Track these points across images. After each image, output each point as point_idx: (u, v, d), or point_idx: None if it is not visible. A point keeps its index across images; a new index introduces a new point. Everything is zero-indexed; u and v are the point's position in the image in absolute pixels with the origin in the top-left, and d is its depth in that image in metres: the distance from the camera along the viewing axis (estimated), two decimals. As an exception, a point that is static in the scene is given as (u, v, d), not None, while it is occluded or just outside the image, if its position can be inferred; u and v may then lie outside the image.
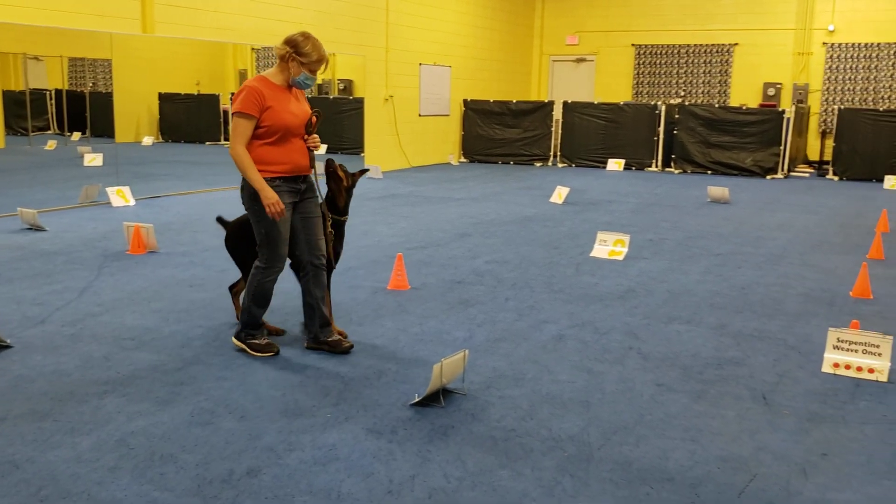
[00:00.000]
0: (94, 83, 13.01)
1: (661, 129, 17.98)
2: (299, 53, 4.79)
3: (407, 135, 17.45)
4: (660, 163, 18.14)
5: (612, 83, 21.67)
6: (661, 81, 21.15)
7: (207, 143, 15.56)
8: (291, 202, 4.93)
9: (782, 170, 17.11)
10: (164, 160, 14.80)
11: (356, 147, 15.90)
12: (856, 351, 4.92)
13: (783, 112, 17.06)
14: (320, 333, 5.17)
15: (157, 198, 11.87)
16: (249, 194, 4.83)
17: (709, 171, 17.60)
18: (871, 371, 4.85)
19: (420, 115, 17.88)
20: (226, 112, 15.38)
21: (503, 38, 20.91)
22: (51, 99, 13.07)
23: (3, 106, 12.36)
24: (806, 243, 9.32)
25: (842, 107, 17.23)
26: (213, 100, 15.31)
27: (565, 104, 18.94)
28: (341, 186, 5.31)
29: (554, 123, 19.05)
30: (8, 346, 5.12)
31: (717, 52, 20.48)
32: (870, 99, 19.14)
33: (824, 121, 19.52)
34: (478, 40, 19.74)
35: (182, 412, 4.18)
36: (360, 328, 5.63)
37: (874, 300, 6.79)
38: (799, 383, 4.78)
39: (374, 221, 10.16)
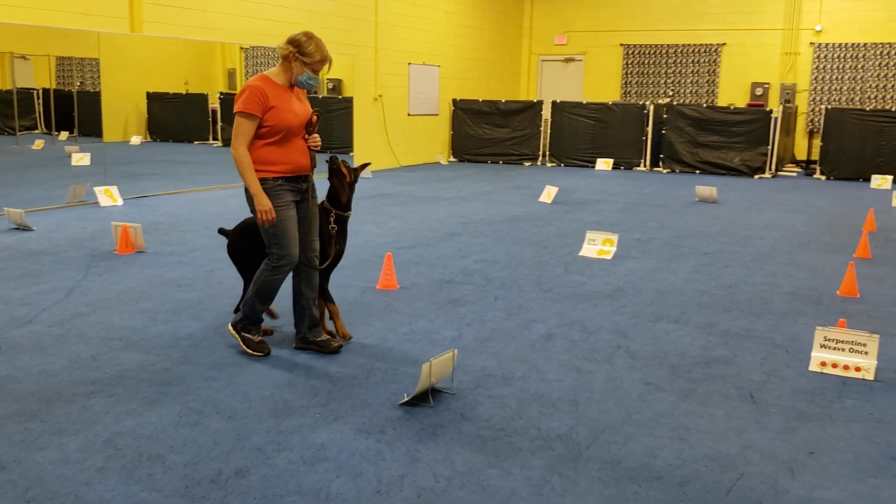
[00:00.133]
0: (81, 82, 12.96)
1: (650, 128, 18.02)
2: (302, 53, 4.78)
3: (396, 134, 17.44)
4: (648, 162, 18.19)
5: (600, 83, 21.72)
6: (650, 81, 21.20)
7: (196, 142, 15.52)
8: (294, 201, 4.93)
9: (770, 169, 17.17)
10: (153, 160, 14.74)
11: (345, 147, 15.87)
12: (843, 349, 4.94)
13: (771, 112, 17.13)
14: (309, 334, 5.17)
15: (145, 197, 11.83)
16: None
17: (697, 171, 17.66)
18: (857, 369, 4.88)
19: (409, 115, 17.87)
20: (214, 112, 15.34)
21: (492, 37, 20.92)
22: (38, 98, 13.01)
23: (-10, 105, 12.31)
24: (793, 242, 9.36)
25: (829, 106, 17.31)
26: (201, 99, 15.26)
27: (554, 104, 18.97)
28: (344, 182, 5.27)
29: (543, 123, 19.08)
30: (-5, 347, 5.10)
31: (705, 51, 20.54)
32: (856, 99, 19.23)
33: (811, 120, 19.60)
34: (467, 40, 19.75)
35: (170, 412, 4.17)
36: (349, 328, 5.62)
37: (861, 299, 6.82)
38: (786, 382, 4.80)
39: (364, 221, 10.15)
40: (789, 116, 18.12)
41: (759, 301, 6.67)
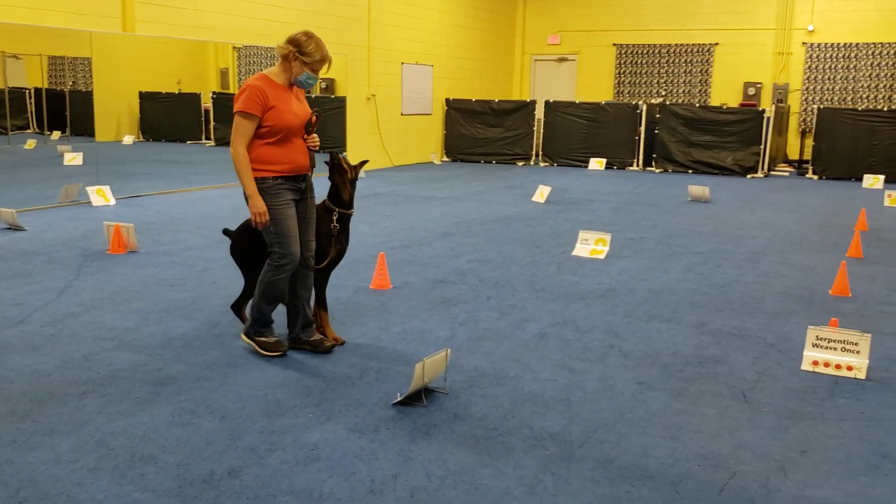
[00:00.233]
0: (73, 82, 12.92)
1: (643, 128, 18.04)
2: (302, 53, 4.77)
3: (389, 134, 17.44)
4: (641, 162, 18.21)
5: (593, 83, 21.74)
6: (643, 81, 21.23)
7: (188, 142, 15.49)
8: (293, 200, 4.93)
9: (762, 169, 17.22)
10: (145, 159, 14.71)
11: (338, 146, 15.86)
12: (834, 349, 4.96)
13: (763, 111, 17.17)
14: (302, 334, 5.16)
15: (137, 197, 11.81)
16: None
17: (689, 171, 17.69)
18: (849, 368, 4.89)
19: (402, 115, 17.87)
20: (207, 111, 15.32)
21: (485, 37, 20.92)
22: (30, 98, 12.97)
23: (-18, 105, 12.28)
24: (785, 242, 9.38)
25: (821, 106, 17.36)
26: (194, 99, 15.24)
27: (547, 103, 18.99)
28: (346, 179, 5.24)
29: (536, 123, 19.09)
30: (-14, 347, 5.09)
31: (697, 51, 20.57)
32: (848, 98, 19.28)
33: (804, 120, 19.65)
34: (460, 39, 19.75)
35: (162, 412, 4.16)
36: (342, 327, 5.62)
37: (853, 298, 6.84)
38: (778, 381, 4.82)
39: (357, 220, 10.13)
40: (782, 116, 18.17)
41: (751, 300, 6.69)
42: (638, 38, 21.09)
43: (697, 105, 18.37)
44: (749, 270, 7.82)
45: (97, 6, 10.92)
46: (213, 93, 15.20)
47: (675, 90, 20.91)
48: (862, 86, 19.12)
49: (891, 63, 18.82)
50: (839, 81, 19.37)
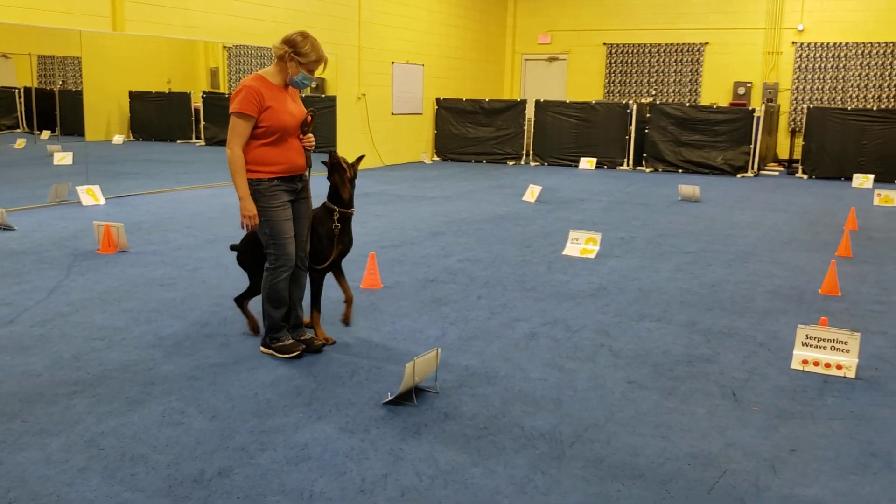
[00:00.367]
0: (63, 81, 12.89)
1: (633, 127, 18.08)
2: (298, 53, 4.76)
3: (380, 133, 17.43)
4: (631, 161, 18.25)
5: (583, 82, 21.77)
6: (633, 80, 21.27)
7: (179, 141, 15.46)
8: (289, 200, 4.92)
9: (752, 168, 17.27)
10: (135, 159, 14.68)
11: (329, 146, 15.85)
12: (824, 348, 4.98)
13: (753, 111, 17.22)
14: (293, 333, 5.16)
15: (127, 197, 11.77)
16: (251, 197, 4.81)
17: (680, 170, 17.73)
18: (839, 367, 4.91)
19: (393, 114, 17.86)
20: (197, 111, 15.29)
21: (476, 36, 20.93)
22: (20, 97, 12.93)
23: (-29, 104, 12.23)
24: (775, 241, 9.41)
25: (811, 106, 17.43)
26: (184, 98, 15.20)
27: (538, 103, 19.00)
28: (345, 177, 5.24)
29: (526, 122, 19.11)
30: (-25, 347, 5.06)
31: (687, 51, 20.62)
32: (838, 98, 19.36)
33: (794, 120, 19.73)
34: (450, 39, 19.75)
35: (153, 412, 4.15)
36: (332, 327, 5.62)
37: (842, 297, 6.87)
38: (768, 380, 4.83)
39: (347, 220, 10.12)
40: (771, 116, 18.23)
41: (741, 299, 6.71)
42: (628, 37, 21.12)
43: (687, 104, 18.40)
44: (739, 270, 7.84)
45: (87, 5, 10.88)
46: (203, 92, 15.17)
47: (665, 90, 20.96)
48: (851, 85, 19.20)
49: (880, 63, 18.90)
50: (829, 81, 19.44)
